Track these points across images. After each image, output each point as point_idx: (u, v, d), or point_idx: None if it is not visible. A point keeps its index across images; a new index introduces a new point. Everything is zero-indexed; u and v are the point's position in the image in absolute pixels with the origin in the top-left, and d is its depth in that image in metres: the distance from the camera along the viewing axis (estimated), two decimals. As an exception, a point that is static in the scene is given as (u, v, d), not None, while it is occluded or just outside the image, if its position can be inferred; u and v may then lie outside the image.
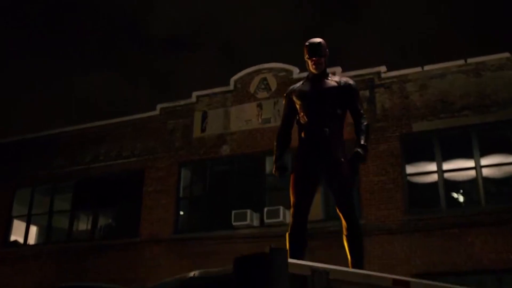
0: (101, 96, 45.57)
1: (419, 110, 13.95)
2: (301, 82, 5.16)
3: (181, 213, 15.83)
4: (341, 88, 4.87)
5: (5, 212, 18.07)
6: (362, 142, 4.70)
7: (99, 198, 16.96)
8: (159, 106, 17.01)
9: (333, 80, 4.98)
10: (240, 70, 16.33)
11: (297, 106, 4.97)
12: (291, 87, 5.24)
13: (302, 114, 4.90)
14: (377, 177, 13.65)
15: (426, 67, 14.31)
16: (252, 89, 15.96)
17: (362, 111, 4.94)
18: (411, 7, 46.29)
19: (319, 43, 4.99)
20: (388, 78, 14.52)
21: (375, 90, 14.52)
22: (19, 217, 18.14)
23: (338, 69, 14.92)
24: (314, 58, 4.93)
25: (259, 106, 15.70)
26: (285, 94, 5.26)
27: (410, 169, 13.71)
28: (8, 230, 18.14)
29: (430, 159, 13.59)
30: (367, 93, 14.48)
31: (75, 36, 47.79)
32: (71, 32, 47.30)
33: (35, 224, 18.24)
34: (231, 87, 16.31)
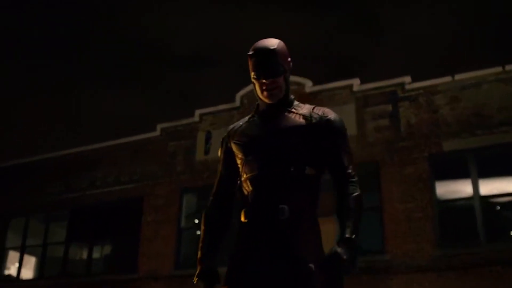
0: (112, 113, 44.34)
1: (450, 127, 12.10)
2: (246, 119, 3.00)
3: (182, 246, 14.18)
4: (314, 127, 2.75)
5: (-2, 243, 16.88)
6: (347, 234, 2.53)
7: (95, 228, 15.60)
8: (159, 126, 15.49)
9: (299, 113, 2.82)
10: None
11: (238, 162, 2.87)
12: (231, 127, 3.05)
13: (244, 176, 2.78)
14: (402, 204, 11.83)
15: (457, 76, 12.46)
16: (260, 105, 14.32)
17: (350, 170, 2.73)
18: (434, 12, 44.26)
19: (273, 50, 2.75)
20: (413, 89, 12.73)
21: (399, 104, 12.74)
22: (14, 248, 16.99)
23: (356, 81, 13.29)
24: (264, 81, 2.76)
25: (269, 123, 14.08)
26: (222, 139, 3.09)
27: (441, 195, 11.84)
28: (1, 262, 16.91)
29: (465, 183, 11.72)
30: (389, 107, 12.73)
31: (83, 49, 46.81)
32: (77, 44, 46.34)
33: (30, 253, 17.09)
34: (237, 103, 14.72)
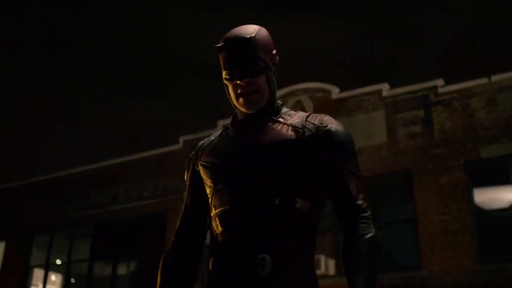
0: (134, 126, 44.13)
1: (488, 131, 11.32)
2: (218, 133, 2.27)
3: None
4: (308, 142, 2.04)
5: (23, 260, 16.62)
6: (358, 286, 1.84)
7: (119, 245, 15.27)
8: (182, 139, 15.04)
9: (288, 123, 2.11)
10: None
11: (207, 190, 2.15)
12: (201, 143, 2.31)
13: (214, 212, 2.07)
14: (438, 216, 11.08)
15: (494, 77, 11.68)
16: (285, 113, 13.77)
17: (360, 201, 1.99)
18: (463, 12, 43.11)
19: (250, 40, 2.06)
20: (446, 93, 11.99)
21: (432, 109, 12.02)
22: (38, 266, 16.73)
23: (385, 86, 12.63)
24: (239, 82, 2.06)
25: (295, 133, 13.51)
26: (188, 159, 2.32)
27: (479, 204, 11.06)
28: (26, 281, 16.63)
29: (505, 190, 10.94)
30: (421, 113, 12.02)
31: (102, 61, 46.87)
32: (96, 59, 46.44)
33: (54, 271, 16.81)
34: (262, 112, 14.15)
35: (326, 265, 11.68)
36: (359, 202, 1.97)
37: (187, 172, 2.26)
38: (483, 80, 11.75)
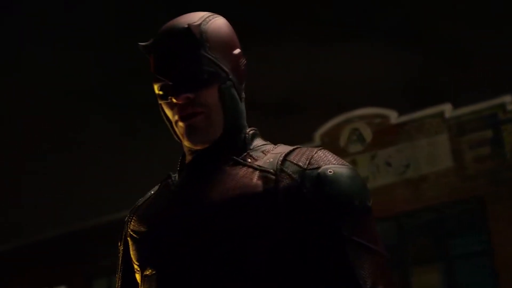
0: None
1: None
2: (156, 187, 1.43)
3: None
4: (283, 198, 1.19)
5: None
6: None
7: None
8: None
9: (255, 165, 1.27)
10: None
11: (136, 274, 1.36)
12: (139, 200, 1.47)
13: None
14: (517, 247, 10.05)
15: None
16: (342, 142, 13.14)
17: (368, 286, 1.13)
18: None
19: (190, 31, 1.26)
20: (516, 110, 11.05)
21: (501, 128, 11.08)
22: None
23: (448, 107, 11.78)
24: (174, 100, 1.27)
25: (353, 162, 12.79)
26: (125, 222, 1.48)
27: None
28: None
29: None
30: (489, 133, 11.09)
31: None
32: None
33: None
34: (318, 142, 13.54)
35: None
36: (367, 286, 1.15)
37: (120, 245, 1.49)
38: (558, 94, 10.74)
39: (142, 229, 1.33)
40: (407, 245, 11.18)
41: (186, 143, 1.32)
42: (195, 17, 1.32)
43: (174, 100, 1.27)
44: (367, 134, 12.83)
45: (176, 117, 1.29)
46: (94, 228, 17.37)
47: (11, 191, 32.38)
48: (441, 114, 11.80)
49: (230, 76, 1.31)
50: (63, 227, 18.34)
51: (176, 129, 1.33)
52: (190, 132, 1.28)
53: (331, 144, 13.23)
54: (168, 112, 1.32)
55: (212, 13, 1.36)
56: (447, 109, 11.78)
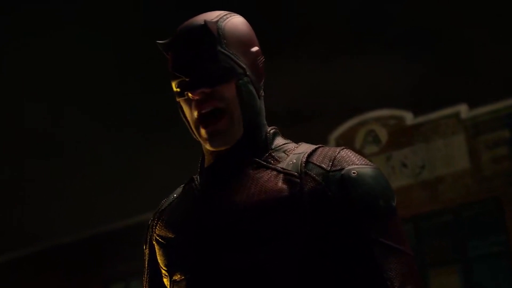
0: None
1: None
2: (180, 189, 1.44)
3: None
4: (308, 202, 1.20)
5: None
6: None
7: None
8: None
9: (279, 168, 1.27)
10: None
11: (164, 280, 1.36)
12: (162, 203, 1.48)
13: None
14: (536, 248, 9.95)
15: None
16: (357, 144, 13.10)
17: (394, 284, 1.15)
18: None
19: (207, 27, 1.27)
20: (534, 109, 10.98)
21: (519, 128, 11.03)
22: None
23: (464, 107, 11.71)
24: (190, 95, 1.27)
25: (369, 164, 12.81)
26: (148, 226, 1.48)
27: None
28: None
29: None
30: (506, 133, 11.01)
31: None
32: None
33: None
34: (332, 145, 13.51)
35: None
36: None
37: (145, 248, 1.48)
38: None
39: (170, 235, 1.33)
40: (424, 247, 11.11)
41: (207, 146, 1.32)
42: (213, 15, 1.34)
43: (190, 95, 1.28)
44: (383, 135, 12.80)
45: (195, 114, 1.29)
46: (112, 233, 17.48)
47: (26, 197, 32.72)
48: (457, 115, 11.74)
49: (248, 73, 1.31)
50: (80, 233, 18.42)
51: (195, 131, 1.32)
52: (212, 137, 1.29)
53: (346, 146, 13.22)
54: (186, 110, 1.32)
55: (230, 12, 1.38)
56: (463, 109, 11.71)
